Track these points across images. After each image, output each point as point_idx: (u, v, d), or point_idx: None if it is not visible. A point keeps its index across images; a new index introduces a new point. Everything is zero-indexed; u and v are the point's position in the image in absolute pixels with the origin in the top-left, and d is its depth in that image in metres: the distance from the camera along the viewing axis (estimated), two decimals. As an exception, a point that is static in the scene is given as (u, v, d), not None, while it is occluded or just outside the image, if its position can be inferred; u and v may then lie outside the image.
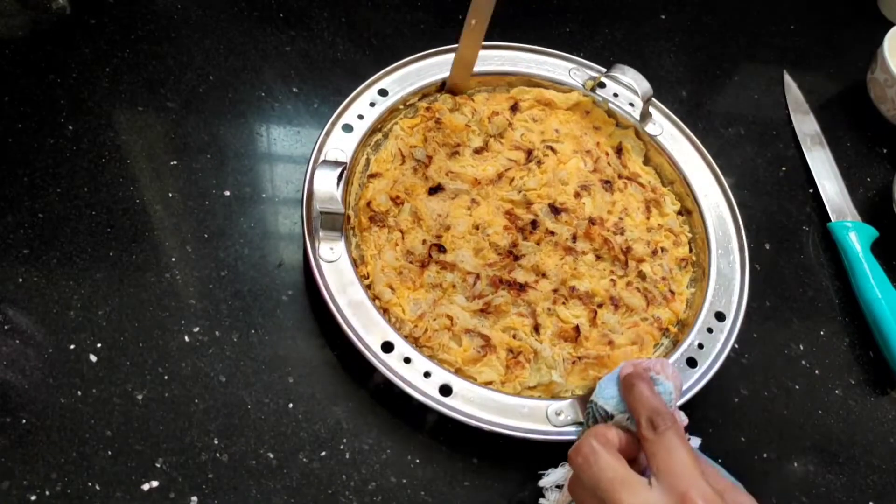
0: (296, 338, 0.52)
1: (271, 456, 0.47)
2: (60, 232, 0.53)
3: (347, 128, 0.57)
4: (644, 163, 0.65)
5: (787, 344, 0.59)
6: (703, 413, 0.54)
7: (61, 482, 0.44)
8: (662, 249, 0.59)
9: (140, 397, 0.47)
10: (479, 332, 0.52)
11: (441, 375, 0.48)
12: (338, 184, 0.52)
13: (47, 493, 0.43)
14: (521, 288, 0.54)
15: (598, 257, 0.57)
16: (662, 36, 0.78)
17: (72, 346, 0.48)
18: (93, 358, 0.48)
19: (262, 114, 0.63)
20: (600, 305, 0.55)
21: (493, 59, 0.64)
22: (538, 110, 0.64)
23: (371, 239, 0.54)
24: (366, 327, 0.49)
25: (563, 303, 0.55)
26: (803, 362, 0.59)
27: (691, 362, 0.52)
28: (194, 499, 0.45)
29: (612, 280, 0.56)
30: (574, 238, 0.57)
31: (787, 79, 0.77)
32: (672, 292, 0.57)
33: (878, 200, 0.69)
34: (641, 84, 0.64)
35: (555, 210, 0.58)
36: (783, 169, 0.70)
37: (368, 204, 0.55)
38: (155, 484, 0.45)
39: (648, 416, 0.40)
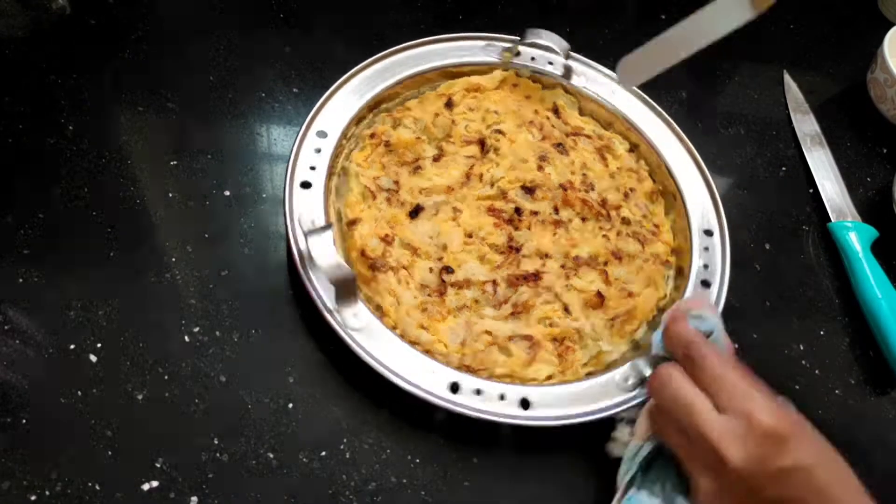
0: (296, 338, 0.52)
1: (271, 456, 0.47)
2: (60, 232, 0.53)
3: (306, 185, 0.54)
4: (580, 114, 0.66)
5: (787, 344, 0.59)
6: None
7: (61, 482, 0.44)
8: (631, 190, 0.61)
9: (140, 397, 0.47)
10: (521, 335, 0.52)
11: (513, 391, 0.49)
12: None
13: (47, 493, 0.43)
14: (536, 276, 0.54)
15: (584, 219, 0.59)
16: (662, 36, 0.78)
17: (72, 346, 0.48)
18: (93, 358, 0.48)
19: (262, 114, 0.63)
20: (606, 263, 0.57)
21: (406, 62, 0.63)
22: (471, 98, 0.63)
23: (381, 288, 0.52)
24: (422, 376, 0.48)
25: (575, 274, 0.55)
26: (803, 362, 0.59)
27: (705, 284, 0.56)
28: (194, 499, 0.45)
29: (604, 236, 0.58)
30: (556, 210, 0.58)
31: (787, 79, 0.77)
32: (656, 226, 0.60)
33: (878, 200, 0.69)
34: (558, 42, 0.65)
35: (528, 190, 0.58)
36: (783, 169, 0.70)
37: (363, 253, 0.53)
38: (155, 484, 0.45)
39: (683, 350, 0.44)
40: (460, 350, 0.51)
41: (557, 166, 0.61)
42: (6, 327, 0.48)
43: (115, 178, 0.56)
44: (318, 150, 0.56)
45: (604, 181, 0.61)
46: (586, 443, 0.49)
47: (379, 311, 0.51)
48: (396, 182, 0.57)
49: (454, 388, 0.48)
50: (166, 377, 0.48)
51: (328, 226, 0.51)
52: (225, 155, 0.60)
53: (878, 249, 0.64)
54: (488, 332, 0.52)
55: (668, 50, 0.54)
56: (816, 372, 0.58)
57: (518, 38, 0.66)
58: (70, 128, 0.58)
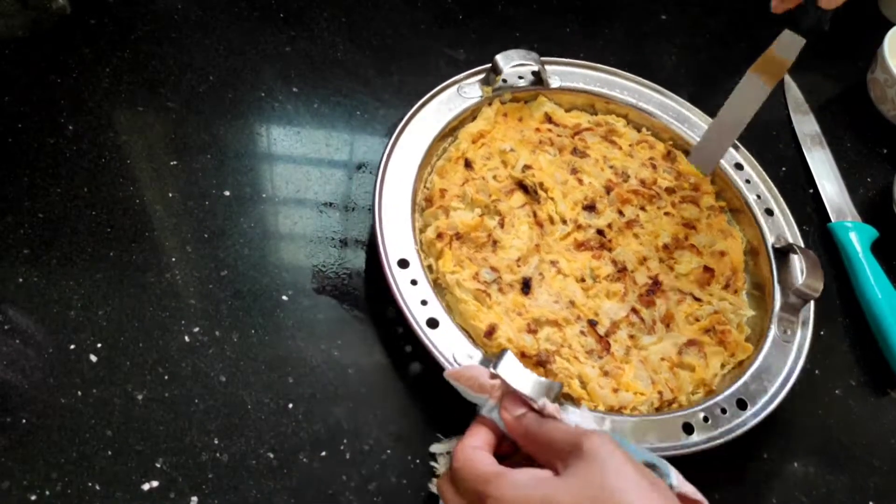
0: (296, 338, 0.52)
1: (271, 456, 0.47)
2: (60, 232, 0.53)
3: (433, 323, 0.50)
4: (568, 112, 0.67)
5: (788, 344, 0.59)
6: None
7: (61, 482, 0.44)
8: (650, 159, 0.64)
9: (140, 397, 0.47)
10: (684, 343, 0.54)
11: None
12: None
13: (47, 493, 0.43)
14: (657, 284, 0.56)
15: (643, 208, 0.61)
16: (663, 37, 0.78)
17: (72, 346, 0.48)
18: (93, 358, 0.48)
19: (262, 114, 0.63)
20: (686, 238, 0.59)
21: (406, 146, 0.59)
22: (480, 148, 0.61)
23: (560, 378, 0.49)
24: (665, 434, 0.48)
25: (674, 262, 0.58)
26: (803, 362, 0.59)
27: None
28: (194, 499, 0.45)
29: (666, 214, 0.61)
30: (621, 213, 0.60)
31: (787, 79, 0.77)
32: (694, 184, 0.63)
33: (878, 200, 0.69)
34: (532, 57, 0.63)
35: (590, 208, 0.59)
36: (783, 169, 0.70)
37: (523, 355, 0.50)
38: (155, 484, 0.45)
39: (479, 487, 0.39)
40: (655, 389, 0.51)
41: (589, 171, 0.62)
42: (6, 327, 0.48)
43: (115, 178, 0.56)
44: (414, 282, 0.51)
45: (629, 164, 0.63)
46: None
47: (570, 400, 0.50)
48: (493, 268, 0.54)
49: (688, 430, 0.49)
50: (166, 377, 0.48)
51: (503, 352, 0.44)
52: (225, 155, 0.60)
53: (878, 249, 0.64)
54: (663, 359, 0.53)
55: (720, 135, 0.62)
56: (817, 372, 0.58)
57: (489, 67, 0.62)
58: (70, 128, 0.58)
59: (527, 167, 0.60)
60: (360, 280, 0.56)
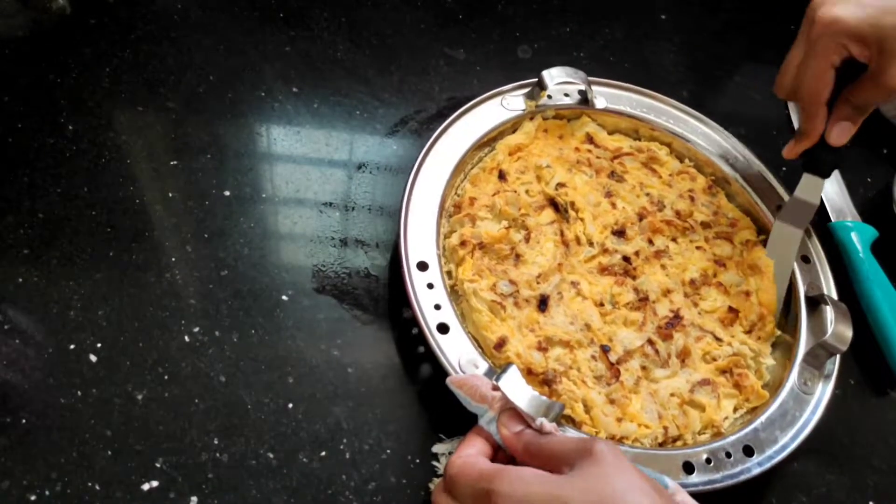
0: (296, 338, 0.52)
1: (271, 456, 0.47)
2: (60, 232, 0.53)
3: (443, 328, 0.50)
4: (610, 134, 0.66)
5: (788, 344, 0.59)
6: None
7: (61, 482, 0.44)
8: (690, 191, 0.63)
9: (140, 397, 0.47)
10: (697, 382, 0.52)
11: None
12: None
13: (47, 493, 0.43)
14: (677, 317, 0.55)
15: (674, 240, 0.60)
16: (663, 36, 0.78)
17: (72, 346, 0.48)
18: (93, 358, 0.48)
19: (262, 114, 0.63)
20: (715, 275, 0.58)
21: (443, 150, 0.58)
22: (516, 161, 0.61)
23: (564, 399, 0.49)
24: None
25: (699, 298, 0.57)
26: (803, 362, 0.59)
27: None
28: (194, 499, 0.45)
29: (698, 248, 0.59)
30: (650, 241, 0.58)
31: (788, 79, 0.77)
32: (732, 219, 0.62)
33: (878, 200, 0.69)
34: (580, 76, 0.62)
35: (619, 233, 0.58)
36: (783, 169, 0.70)
37: (529, 371, 0.50)
38: (155, 484, 0.45)
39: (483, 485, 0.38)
40: (661, 424, 0.50)
41: (624, 196, 0.61)
42: (6, 327, 0.48)
43: (115, 177, 0.56)
44: (431, 286, 0.51)
45: (666, 193, 0.62)
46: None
47: (571, 423, 0.49)
48: (512, 281, 0.54)
49: (688, 468, 0.48)
50: (166, 377, 0.48)
51: (507, 365, 0.44)
52: (225, 155, 0.60)
53: (878, 249, 0.64)
54: (673, 395, 0.52)
55: (797, 211, 0.59)
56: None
57: (535, 81, 0.62)
58: (70, 128, 0.58)
59: (560, 185, 0.59)
60: (361, 280, 0.56)
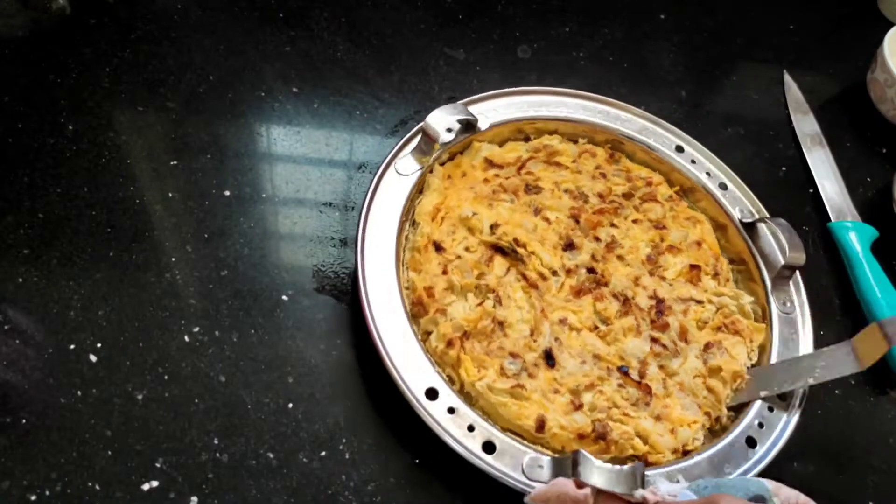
0: (296, 338, 0.52)
1: (271, 456, 0.47)
2: (60, 232, 0.53)
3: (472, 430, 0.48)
4: (502, 146, 0.64)
5: (787, 344, 0.59)
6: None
7: (61, 482, 0.44)
8: (599, 170, 0.63)
9: (140, 397, 0.47)
10: (717, 347, 0.54)
11: None
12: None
13: (47, 493, 0.43)
14: (660, 301, 0.56)
15: (612, 225, 0.59)
16: (662, 36, 0.78)
17: (72, 346, 0.48)
18: (93, 358, 0.48)
19: (262, 114, 0.63)
20: (663, 240, 0.59)
21: (375, 253, 0.53)
22: (439, 224, 0.57)
23: (623, 447, 0.49)
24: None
25: (662, 269, 0.58)
26: (803, 362, 0.59)
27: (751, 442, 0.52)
28: (194, 499, 0.45)
29: (634, 220, 0.60)
30: (597, 239, 0.58)
31: (787, 79, 0.77)
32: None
33: (878, 200, 0.69)
34: (456, 108, 0.59)
35: (568, 246, 0.57)
36: (783, 169, 0.70)
37: (581, 436, 0.49)
38: (155, 484, 0.45)
39: None
40: (702, 412, 0.52)
41: (550, 205, 0.59)
42: (6, 327, 0.48)
43: (115, 177, 0.56)
44: (452, 410, 0.48)
45: (580, 180, 0.61)
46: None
47: (637, 459, 0.49)
48: (514, 355, 0.51)
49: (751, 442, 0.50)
50: (166, 377, 0.48)
51: (575, 454, 0.44)
52: (225, 155, 0.60)
53: (878, 249, 0.64)
54: (696, 376, 0.53)
55: (792, 376, 0.53)
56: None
57: (419, 137, 0.58)
58: (70, 128, 0.58)
59: (494, 226, 0.56)
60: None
